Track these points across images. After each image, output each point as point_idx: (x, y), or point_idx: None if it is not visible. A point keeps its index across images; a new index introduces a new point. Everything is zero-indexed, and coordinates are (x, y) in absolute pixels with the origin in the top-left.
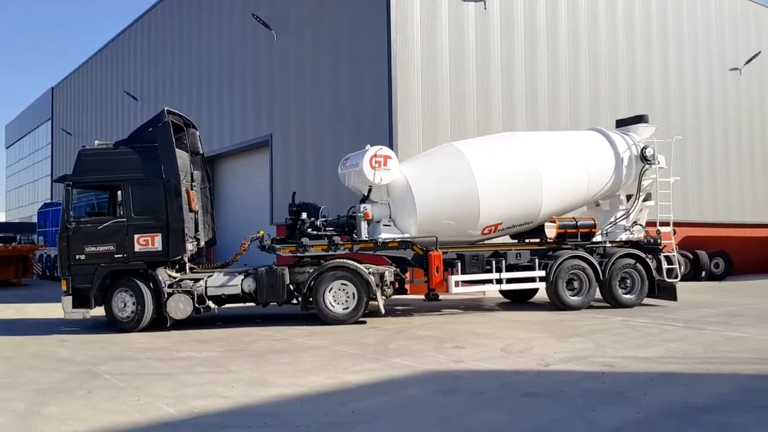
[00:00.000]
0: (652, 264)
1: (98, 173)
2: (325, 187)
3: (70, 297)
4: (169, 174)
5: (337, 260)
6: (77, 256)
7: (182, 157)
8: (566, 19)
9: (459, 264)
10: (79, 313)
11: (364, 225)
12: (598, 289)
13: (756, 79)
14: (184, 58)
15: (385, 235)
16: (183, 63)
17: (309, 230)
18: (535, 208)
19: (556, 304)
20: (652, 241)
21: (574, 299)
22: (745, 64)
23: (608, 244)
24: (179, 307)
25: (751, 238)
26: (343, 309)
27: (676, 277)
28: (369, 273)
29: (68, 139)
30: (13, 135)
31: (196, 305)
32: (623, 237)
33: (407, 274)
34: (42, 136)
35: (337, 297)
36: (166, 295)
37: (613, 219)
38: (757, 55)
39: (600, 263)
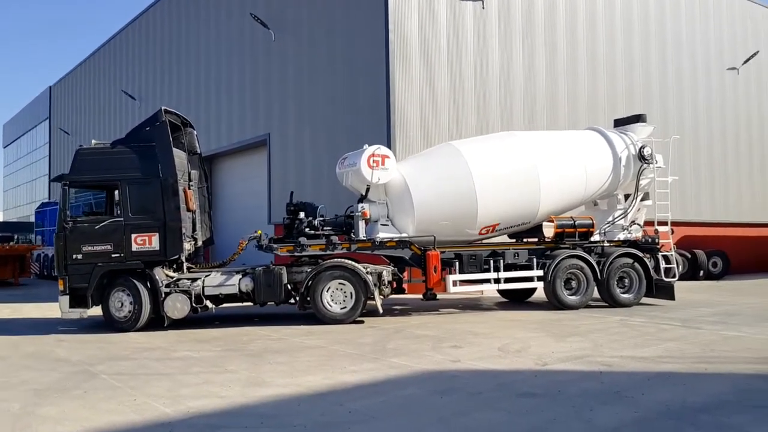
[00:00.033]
0: (650, 263)
1: (95, 173)
2: (323, 187)
3: (67, 296)
4: (166, 173)
5: (335, 260)
6: (74, 256)
7: (180, 156)
8: (564, 18)
9: (457, 263)
10: (76, 313)
11: (361, 224)
12: (596, 288)
13: (754, 79)
14: (182, 57)
15: (382, 234)
16: (181, 62)
17: (307, 230)
18: (533, 207)
19: (554, 303)
20: (650, 240)
21: (572, 299)
22: (743, 64)
23: (606, 244)
24: (176, 306)
25: (749, 238)
26: (341, 308)
27: (673, 276)
28: (367, 272)
29: (66, 138)
30: (10, 134)
31: (194, 305)
32: (621, 236)
33: (405, 274)
34: (40, 135)
35: (334, 296)
36: (163, 295)
37: (611, 218)
38: (755, 54)
39: (598, 263)
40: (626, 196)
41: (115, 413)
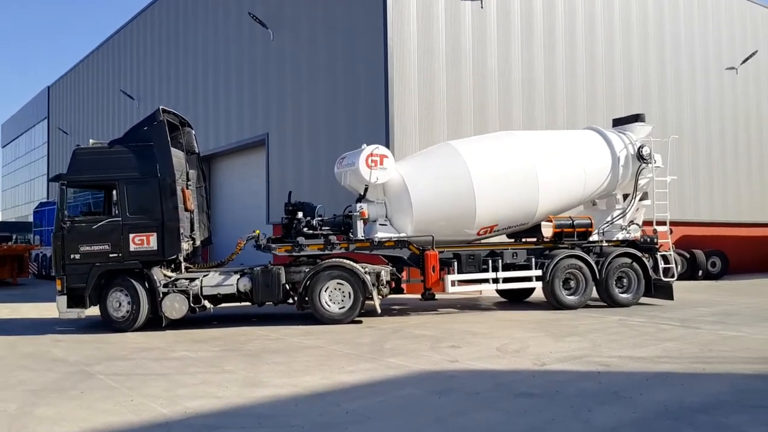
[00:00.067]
0: (649, 263)
1: (93, 172)
2: (322, 186)
3: (65, 296)
4: (164, 173)
5: (333, 259)
6: (72, 256)
7: (178, 156)
8: (563, 17)
9: (455, 263)
10: (74, 313)
11: (360, 224)
12: (594, 288)
13: (752, 79)
14: (181, 56)
15: (381, 234)
16: (179, 62)
17: (305, 229)
18: (531, 207)
19: (552, 303)
20: (648, 240)
21: (570, 299)
22: (741, 64)
23: (605, 244)
24: (174, 306)
25: (748, 238)
26: (339, 308)
27: (672, 276)
28: (365, 272)
29: (64, 138)
30: (9, 134)
31: (192, 305)
32: (620, 236)
33: (403, 274)
34: (38, 135)
35: (333, 296)
36: (161, 295)
37: (609, 218)
38: (753, 54)
39: (597, 262)
40: (625, 196)
41: (112, 414)
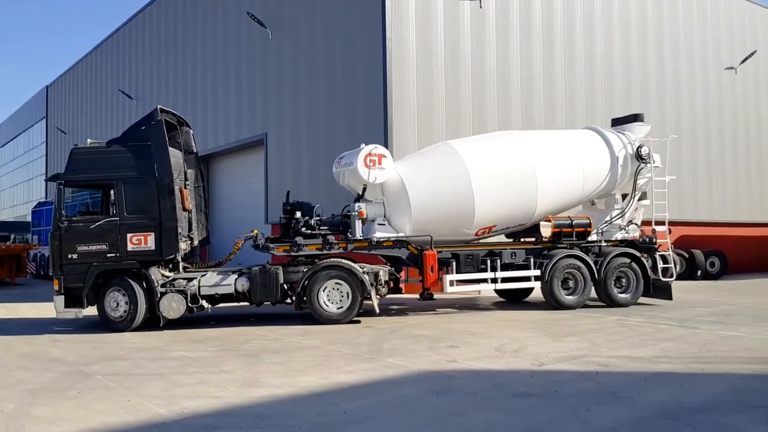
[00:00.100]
0: (648, 263)
1: (91, 172)
2: (320, 186)
3: (63, 296)
4: (162, 173)
5: (332, 259)
6: (69, 255)
7: (175, 155)
8: (562, 17)
9: (454, 263)
10: (72, 313)
11: (358, 224)
12: (593, 288)
13: (751, 79)
14: (179, 56)
15: (379, 234)
16: (178, 61)
17: (303, 229)
18: (530, 206)
19: (551, 303)
20: (647, 240)
21: (569, 298)
22: (740, 64)
23: (603, 243)
24: (172, 306)
25: (747, 237)
26: (338, 308)
27: (671, 276)
28: (363, 272)
29: (63, 137)
30: (7, 133)
31: (190, 305)
32: (618, 236)
33: (402, 274)
34: (36, 134)
35: (331, 296)
36: (159, 295)
37: (608, 218)
38: (752, 54)
39: (595, 262)
40: (624, 196)
41: (109, 414)
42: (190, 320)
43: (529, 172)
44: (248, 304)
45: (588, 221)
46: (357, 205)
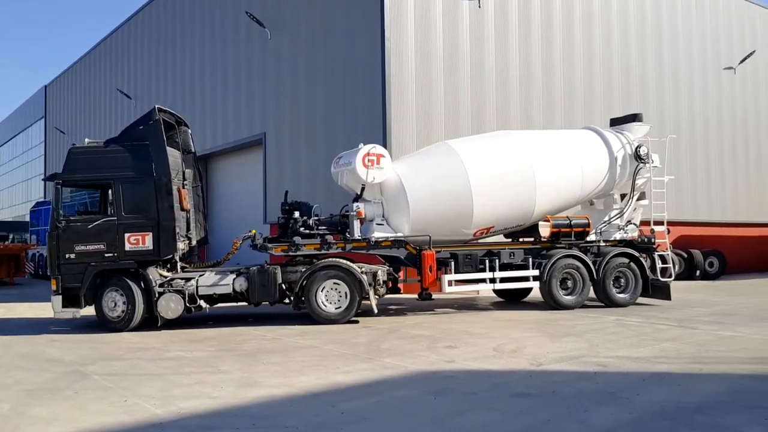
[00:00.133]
0: (646, 263)
1: (88, 171)
2: (319, 186)
3: (60, 296)
4: (160, 172)
5: (330, 259)
6: (67, 255)
7: (174, 155)
8: (561, 17)
9: (452, 263)
10: (69, 313)
11: (356, 224)
12: (592, 288)
13: (750, 78)
14: (178, 56)
15: (378, 234)
16: (176, 61)
17: (301, 229)
18: (529, 206)
19: (549, 303)
20: (646, 240)
21: (567, 298)
22: (739, 63)
23: (602, 243)
24: (170, 306)
25: (746, 238)
26: (336, 308)
27: (670, 276)
28: (362, 272)
29: (61, 137)
30: (6, 133)
31: (188, 304)
32: (617, 236)
33: (400, 274)
34: (35, 134)
35: (329, 296)
36: (157, 295)
37: (607, 218)
38: (751, 54)
39: (594, 262)
40: (622, 196)
41: (106, 414)
42: (188, 320)
43: (527, 172)
44: (246, 304)
45: (587, 221)
46: (355, 204)
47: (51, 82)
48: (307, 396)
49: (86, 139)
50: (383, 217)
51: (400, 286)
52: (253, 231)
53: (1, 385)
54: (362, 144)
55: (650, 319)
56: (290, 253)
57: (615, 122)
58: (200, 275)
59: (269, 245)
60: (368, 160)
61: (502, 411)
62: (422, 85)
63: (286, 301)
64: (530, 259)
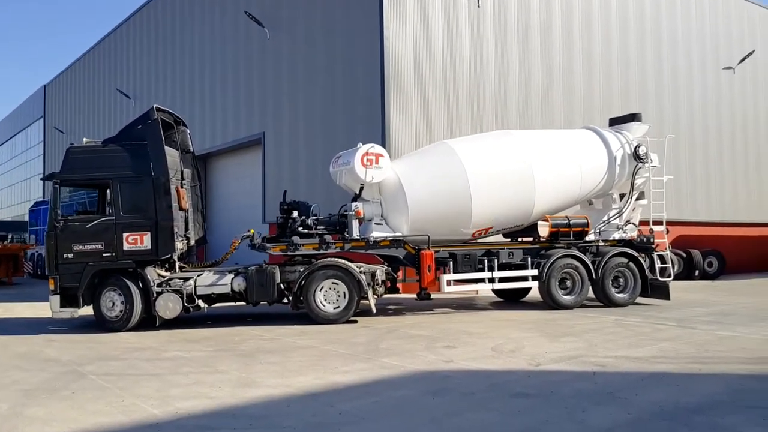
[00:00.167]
0: (645, 263)
1: (86, 171)
2: (318, 186)
3: (58, 296)
4: (158, 172)
5: (328, 259)
6: (65, 255)
7: (172, 154)
8: (560, 17)
9: (451, 263)
10: (67, 313)
11: (355, 223)
12: (591, 288)
13: (749, 78)
14: (177, 55)
15: (376, 233)
16: (175, 61)
17: (300, 229)
18: (527, 206)
19: (548, 303)
20: (645, 239)
21: (566, 298)
22: (738, 63)
23: (601, 243)
24: (168, 306)
25: (745, 237)
26: (334, 308)
27: (669, 276)
28: (360, 272)
29: (60, 137)
30: (5, 133)
31: (186, 304)
32: (616, 236)
33: (399, 273)
34: (34, 134)
35: (328, 296)
36: (155, 294)
37: (606, 218)
38: (750, 54)
39: (593, 262)
40: (621, 196)
41: (103, 414)
42: (187, 320)
43: (526, 172)
44: (245, 303)
45: (586, 221)
46: (354, 204)
47: (50, 81)
48: (304, 396)
49: (84, 139)
50: (382, 216)
51: (399, 285)
52: (252, 231)
53: None
54: (361, 143)
55: (649, 318)
56: (289, 253)
57: (614, 122)
58: (198, 275)
59: (268, 245)
60: (367, 160)
61: (501, 411)
62: (421, 84)
63: (285, 300)
64: (529, 259)
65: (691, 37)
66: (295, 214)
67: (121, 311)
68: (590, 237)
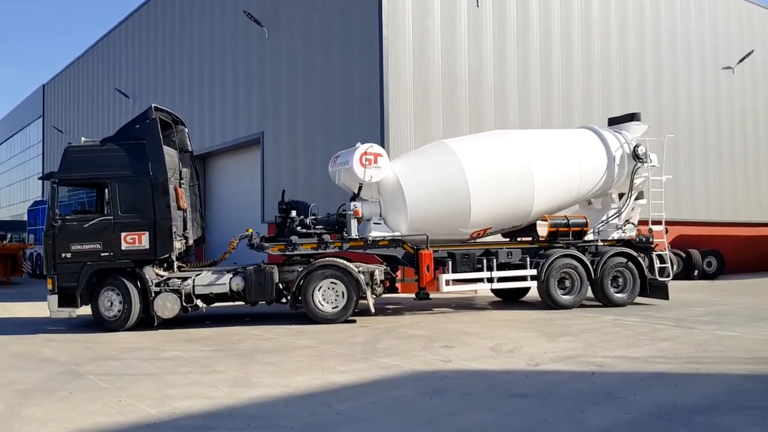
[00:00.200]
0: (644, 263)
1: (84, 170)
2: (317, 185)
3: (56, 296)
4: (156, 171)
5: (327, 259)
6: (63, 255)
7: (170, 154)
8: (559, 16)
9: (450, 262)
10: (65, 312)
11: (354, 223)
12: (589, 288)
13: (749, 78)
14: (176, 55)
15: (375, 233)
16: (174, 60)
17: (299, 228)
18: (526, 206)
19: (547, 303)
20: (644, 239)
21: (565, 298)
22: (738, 63)
23: (600, 243)
24: (167, 306)
25: (744, 237)
26: (333, 308)
27: (668, 276)
28: (359, 272)
29: (59, 136)
30: (4, 132)
31: (184, 304)
32: (615, 236)
33: (398, 273)
34: (33, 133)
35: (326, 296)
36: (153, 294)
37: (605, 217)
38: (749, 54)
39: (592, 262)
40: (620, 195)
41: (100, 414)
42: (185, 320)
43: (525, 172)
44: (243, 303)
45: (585, 221)
46: (353, 204)
47: (49, 81)
48: (302, 396)
49: (82, 138)
50: (381, 216)
51: (398, 285)
52: (250, 230)
53: None
54: (360, 143)
55: (648, 318)
56: (287, 253)
57: (613, 122)
58: (197, 275)
59: (266, 245)
60: (365, 159)
61: (499, 411)
62: (420, 83)
63: (283, 300)
64: (528, 259)
65: (691, 36)
66: (293, 213)
67: (119, 311)
68: (589, 237)
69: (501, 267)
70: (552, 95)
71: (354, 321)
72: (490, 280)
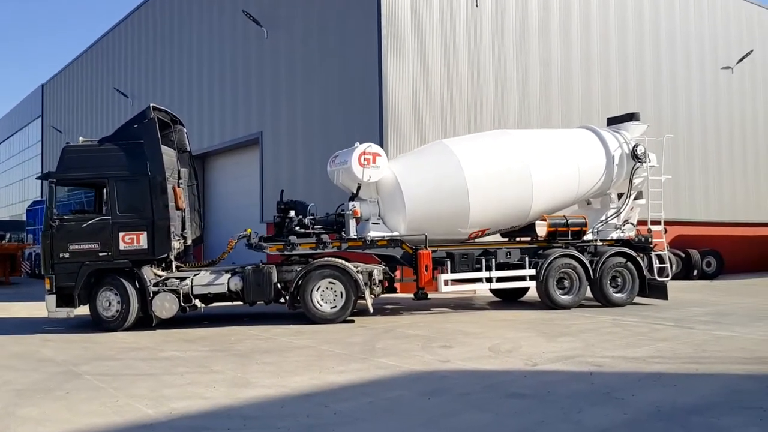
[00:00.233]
0: (643, 263)
1: (82, 170)
2: (316, 185)
3: (54, 296)
4: (154, 171)
5: (326, 259)
6: (61, 254)
7: (169, 154)
8: (558, 15)
9: (448, 262)
10: (63, 312)
11: (352, 223)
12: (588, 288)
13: (748, 78)
14: (175, 55)
15: (373, 233)
16: (173, 60)
17: (297, 228)
18: (525, 205)
19: (546, 303)
20: (643, 239)
21: (564, 298)
22: (737, 63)
23: (599, 243)
24: (165, 305)
25: (743, 237)
26: (331, 308)
27: (667, 276)
28: (357, 271)
29: (58, 136)
30: (3, 132)
31: (182, 304)
32: (614, 236)
33: (396, 273)
34: (32, 133)
35: (325, 296)
36: (151, 294)
37: (604, 217)
38: (749, 54)
39: (591, 262)
40: (619, 195)
41: (97, 414)
42: (183, 320)
43: (524, 171)
44: (241, 303)
45: (583, 220)
46: (351, 203)
47: (48, 80)
48: (300, 396)
49: (80, 138)
50: (379, 216)
51: (396, 285)
52: (249, 230)
53: None
54: (358, 143)
55: (647, 318)
56: (286, 253)
57: (612, 121)
58: (195, 274)
59: (264, 244)
60: (364, 159)
61: (497, 412)
62: (419, 83)
63: (282, 300)
64: (527, 259)
65: (690, 36)
66: (292, 213)
67: (117, 311)
68: (588, 237)
69: (500, 267)
70: (551, 95)
71: (352, 321)
72: (489, 280)
